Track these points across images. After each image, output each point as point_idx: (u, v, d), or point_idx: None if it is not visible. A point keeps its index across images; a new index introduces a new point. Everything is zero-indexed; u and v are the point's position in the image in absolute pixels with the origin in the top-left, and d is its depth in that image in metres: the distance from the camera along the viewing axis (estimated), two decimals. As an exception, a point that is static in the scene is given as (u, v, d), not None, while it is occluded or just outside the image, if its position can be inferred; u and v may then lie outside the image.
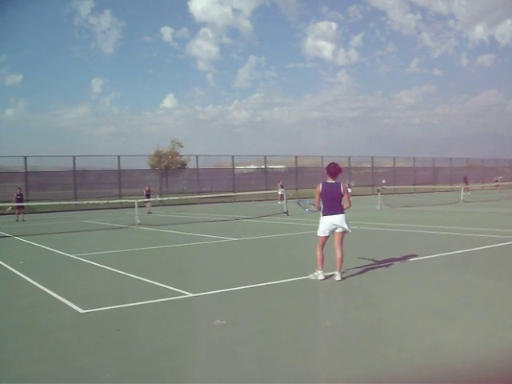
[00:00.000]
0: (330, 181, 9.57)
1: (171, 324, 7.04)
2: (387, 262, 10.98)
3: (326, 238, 9.59)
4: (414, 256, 11.65)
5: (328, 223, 9.46)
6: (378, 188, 35.13)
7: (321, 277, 9.37)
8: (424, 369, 5.09)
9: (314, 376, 5.03)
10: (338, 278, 9.31)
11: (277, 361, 5.45)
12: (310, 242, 9.32)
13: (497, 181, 52.46)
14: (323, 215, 9.54)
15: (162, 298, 8.45)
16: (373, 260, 11.16)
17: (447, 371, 5.01)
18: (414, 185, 59.62)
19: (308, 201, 10.16)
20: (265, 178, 53.15)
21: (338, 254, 9.45)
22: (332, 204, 9.45)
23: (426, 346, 5.74)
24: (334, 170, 9.55)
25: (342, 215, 9.45)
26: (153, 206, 38.56)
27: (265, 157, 54.73)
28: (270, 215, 27.25)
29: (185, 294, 8.62)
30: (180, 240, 17.27)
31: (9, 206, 31.76)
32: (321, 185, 9.56)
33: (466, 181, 49.13)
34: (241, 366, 5.34)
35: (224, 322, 6.86)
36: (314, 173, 57.19)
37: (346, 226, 9.44)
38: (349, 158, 59.47)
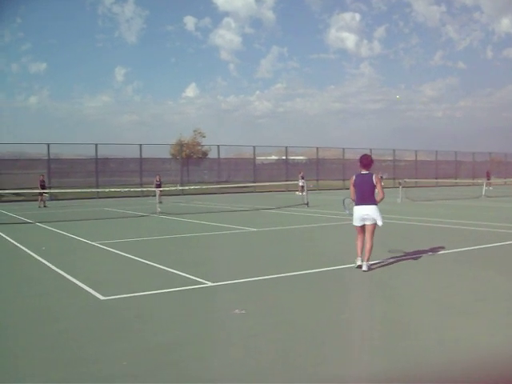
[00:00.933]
0: (363, 172, 9.75)
1: (190, 313, 7.08)
2: (406, 256, 10.93)
3: (362, 228, 9.71)
4: (434, 250, 11.58)
5: (359, 213, 9.62)
6: (400, 181, 34.92)
7: (358, 262, 9.56)
8: (441, 364, 5.07)
9: (329, 370, 5.03)
10: (364, 268, 9.42)
11: (293, 353, 5.45)
12: (330, 234, 9.33)
13: (489, 177, 51.89)
14: (355, 205, 9.74)
15: (181, 286, 8.49)
16: (391, 254, 11.10)
17: (465, 367, 4.99)
18: (436, 178, 59.19)
19: (350, 199, 10.19)
20: (286, 169, 53.04)
21: (367, 245, 9.55)
22: (363, 194, 9.63)
23: (444, 340, 5.72)
24: (365, 161, 9.79)
25: (373, 206, 9.57)
26: (174, 195, 38.73)
27: (286, 148, 54.61)
28: (290, 206, 27.21)
29: (204, 284, 8.65)
30: (200, 229, 17.33)
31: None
32: (354, 176, 9.84)
33: (488, 175, 48.69)
34: (258, 357, 5.35)
35: (243, 311, 6.88)
36: (335, 164, 57.09)
37: (376, 217, 9.53)
38: (370, 150, 58.95)
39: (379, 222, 9.58)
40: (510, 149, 77.74)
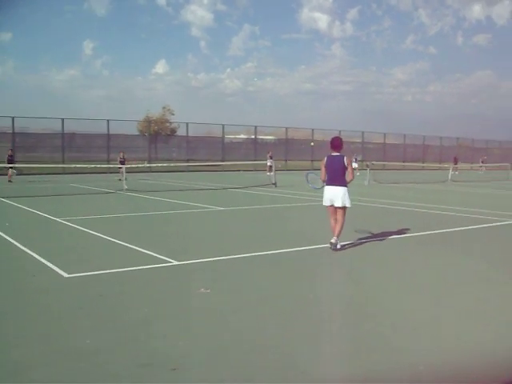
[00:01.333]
0: (334, 153, 9.81)
1: (156, 291, 7.05)
2: (373, 238, 11.04)
3: (330, 207, 9.81)
4: (400, 233, 11.72)
5: (328, 193, 9.71)
6: (368, 163, 35.18)
7: (332, 240, 9.64)
8: (409, 347, 5.13)
9: (293, 349, 5.05)
10: (333, 240, 9.58)
11: (259, 331, 5.47)
12: (297, 214, 9.34)
13: (482, 162, 52.73)
14: (326, 185, 9.82)
15: (146, 265, 8.45)
16: (359, 235, 11.19)
17: (431, 350, 5.05)
18: (404, 162, 59.73)
19: (314, 174, 10.33)
20: (254, 149, 53.02)
21: (338, 223, 9.70)
22: (334, 175, 9.72)
23: (411, 323, 5.79)
24: (336, 142, 9.90)
25: (342, 188, 9.66)
26: (141, 171, 38.42)
27: (255, 127, 54.53)
28: (258, 186, 27.23)
29: (170, 262, 8.62)
30: (167, 207, 17.23)
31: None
32: (325, 157, 9.92)
33: (455, 161, 49.30)
34: (222, 334, 5.36)
35: (208, 290, 6.88)
36: (304, 145, 57.18)
37: (345, 199, 9.64)
38: (339, 132, 59.22)
39: (347, 204, 9.67)
40: (477, 135, 78.68)
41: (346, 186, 9.69)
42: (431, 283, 7.57)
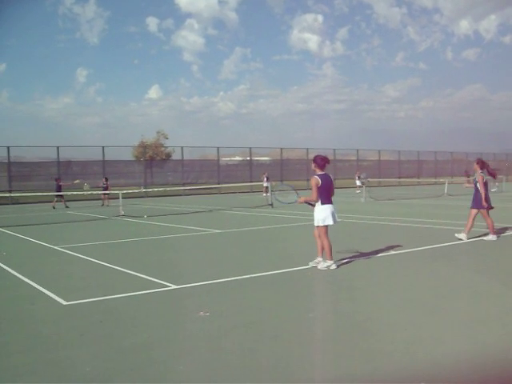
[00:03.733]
0: (321, 172, 9.76)
1: (155, 316, 7.04)
2: (371, 255, 11.04)
3: (327, 227, 9.78)
4: (397, 249, 11.74)
5: (330, 211, 9.67)
6: (363, 181, 35.26)
7: (333, 266, 9.64)
8: (406, 361, 5.13)
9: (295, 370, 5.04)
10: (334, 266, 9.68)
11: (260, 352, 5.46)
12: (295, 235, 9.32)
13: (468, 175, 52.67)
14: (323, 204, 9.69)
15: (145, 289, 8.44)
16: (357, 253, 11.23)
17: (429, 363, 5.05)
18: (399, 178, 59.84)
19: (284, 186, 10.48)
20: (250, 170, 53.08)
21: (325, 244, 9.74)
22: (329, 194, 9.77)
23: (408, 337, 5.79)
24: (322, 161, 9.78)
25: (333, 206, 9.83)
26: (138, 197, 38.40)
27: (250, 149, 54.62)
28: (254, 207, 27.26)
29: (168, 286, 8.61)
30: (164, 231, 17.22)
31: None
32: (318, 177, 9.68)
33: (467, 174, 49.39)
34: (224, 357, 5.35)
35: (208, 313, 6.87)
36: (299, 165, 57.26)
37: (337, 218, 9.87)
38: (334, 150, 59.52)
39: (337, 220, 9.94)
40: (471, 148, 79.14)
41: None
42: (426, 297, 7.56)
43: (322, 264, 9.67)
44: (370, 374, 4.87)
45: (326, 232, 9.77)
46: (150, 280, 9.14)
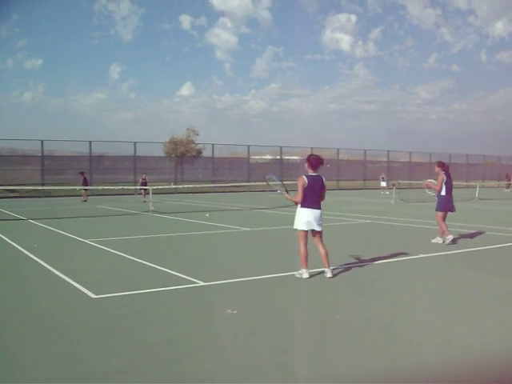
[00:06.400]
0: (312, 173, 9.17)
1: (182, 312, 7.05)
2: (400, 257, 10.94)
3: (306, 232, 9.14)
4: (426, 252, 11.60)
5: (307, 216, 9.03)
6: (394, 182, 34.97)
7: (305, 275, 8.98)
8: (433, 365, 5.06)
9: (323, 370, 5.01)
10: (329, 274, 9.04)
11: (287, 352, 5.44)
12: (324, 233, 9.23)
13: (509, 179, 52.03)
14: (302, 207, 9.09)
15: (173, 285, 8.47)
16: (384, 254, 11.12)
17: (457, 368, 4.98)
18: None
19: (275, 177, 9.91)
20: (280, 169, 52.99)
21: (322, 250, 9.17)
22: (313, 197, 9.07)
23: (435, 341, 5.72)
24: (315, 161, 9.19)
25: (319, 211, 9.18)
26: (167, 193, 38.59)
27: (280, 147, 54.61)
28: (284, 206, 27.18)
29: (196, 283, 8.63)
30: (193, 228, 17.30)
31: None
32: (305, 178, 9.06)
33: (509, 177, 48.89)
34: (251, 355, 5.34)
35: (235, 311, 6.86)
36: (329, 165, 56.98)
37: (319, 225, 9.17)
38: (365, 151, 59.22)
39: (321, 228, 9.22)
40: (503, 151, 77.94)
41: (320, 209, 9.21)
42: (455, 301, 7.45)
43: (300, 272, 9.08)
44: (396, 375, 4.82)
45: (304, 237, 9.13)
46: (178, 276, 9.17)
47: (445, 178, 13.44)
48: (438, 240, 13.25)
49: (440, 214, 13.49)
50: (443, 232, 13.23)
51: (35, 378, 4.81)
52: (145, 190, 30.71)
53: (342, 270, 9.71)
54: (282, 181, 10.06)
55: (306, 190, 9.00)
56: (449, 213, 13.63)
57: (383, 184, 45.44)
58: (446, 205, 13.49)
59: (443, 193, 13.49)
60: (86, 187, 32.88)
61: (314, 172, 9.17)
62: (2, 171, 40.38)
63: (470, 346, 5.62)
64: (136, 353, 5.41)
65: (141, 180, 33.52)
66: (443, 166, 13.70)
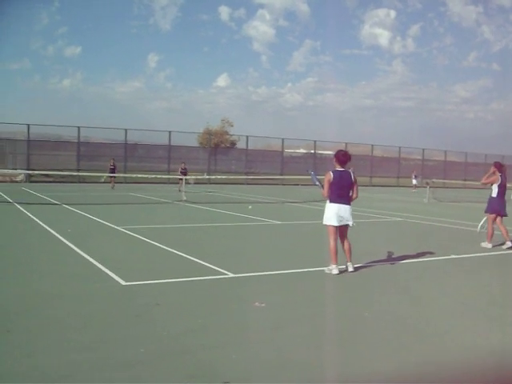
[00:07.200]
0: (340, 168, 9.15)
1: (210, 303, 7.07)
2: (431, 256, 10.83)
3: (336, 228, 9.13)
4: (457, 252, 11.44)
5: (338, 211, 9.03)
6: (428, 181, 34.60)
7: (335, 271, 8.94)
8: (462, 367, 5.00)
9: (349, 367, 4.98)
10: (350, 268, 9.08)
11: (314, 348, 5.42)
12: (356, 230, 9.17)
13: None
14: (330, 202, 9.12)
15: (203, 276, 8.51)
16: (414, 253, 11.01)
17: (485, 371, 4.91)
18: (465, 180, 58.49)
19: (313, 173, 9.90)
20: (314, 163, 52.78)
21: (346, 245, 9.21)
22: (341, 193, 9.07)
23: (463, 344, 5.64)
24: (343, 157, 9.17)
25: (349, 207, 9.13)
26: (200, 183, 38.75)
27: (315, 142, 54.35)
28: (316, 201, 27.09)
29: (226, 274, 8.64)
30: (224, 219, 17.34)
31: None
32: (332, 173, 9.07)
33: None
34: (277, 349, 5.33)
35: (263, 304, 6.86)
36: (363, 161, 56.60)
37: (350, 220, 9.14)
38: (399, 148, 58.66)
39: (351, 223, 9.20)
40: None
41: (350, 204, 9.18)
42: (485, 304, 7.35)
43: (330, 267, 9.04)
44: (422, 377, 4.77)
45: (334, 233, 9.12)
46: (208, 266, 9.20)
47: (500, 180, 12.89)
48: (487, 245, 12.57)
49: (491, 216, 12.88)
50: (491, 236, 12.61)
51: (65, 360, 4.86)
52: (181, 179, 30.97)
53: (371, 267, 9.65)
54: (317, 175, 10.06)
55: (332, 186, 9.03)
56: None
57: (414, 182, 45.19)
58: (496, 208, 12.87)
59: (494, 195, 12.90)
60: (114, 174, 33.29)
61: (342, 167, 9.15)
62: (38, 156, 40.97)
63: (497, 351, 5.53)
64: (162, 341, 5.43)
65: (180, 169, 33.72)
66: (500, 168, 13.10)
